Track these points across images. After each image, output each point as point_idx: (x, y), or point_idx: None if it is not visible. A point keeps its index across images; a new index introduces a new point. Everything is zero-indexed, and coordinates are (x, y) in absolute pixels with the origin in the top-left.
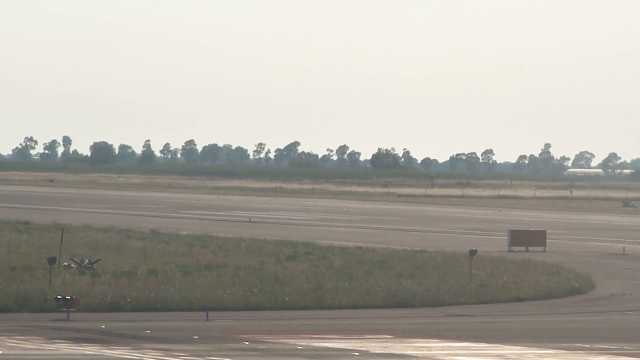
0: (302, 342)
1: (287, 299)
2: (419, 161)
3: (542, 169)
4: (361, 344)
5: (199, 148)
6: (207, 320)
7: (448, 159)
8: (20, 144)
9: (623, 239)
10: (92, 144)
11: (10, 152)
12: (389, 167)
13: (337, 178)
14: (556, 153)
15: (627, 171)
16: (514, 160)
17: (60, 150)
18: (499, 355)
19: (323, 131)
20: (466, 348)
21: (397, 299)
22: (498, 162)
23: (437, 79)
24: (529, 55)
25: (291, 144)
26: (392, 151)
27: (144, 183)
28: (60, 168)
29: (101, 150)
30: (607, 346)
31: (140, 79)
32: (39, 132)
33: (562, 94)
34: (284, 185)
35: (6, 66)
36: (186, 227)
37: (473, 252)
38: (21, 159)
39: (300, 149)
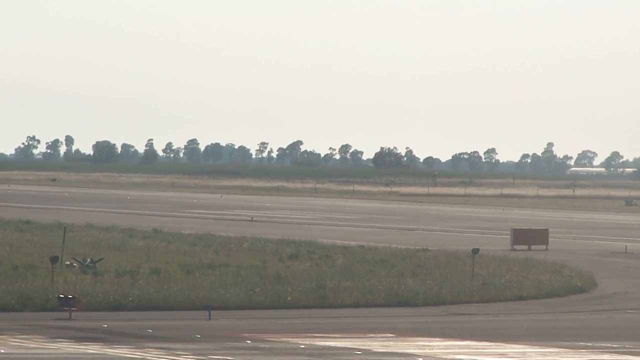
0: (304, 341)
1: (289, 298)
2: (422, 160)
3: (544, 168)
4: (363, 343)
5: (202, 147)
6: (210, 319)
7: (450, 157)
8: (23, 143)
9: (625, 238)
10: (94, 143)
11: (13, 152)
12: (391, 166)
13: (340, 177)
14: (559, 152)
15: (629, 170)
16: (516, 159)
17: (62, 149)
18: (501, 354)
19: (325, 130)
20: (468, 347)
21: (400, 297)
22: (501, 161)
23: (440, 78)
24: (531, 54)
25: (294, 143)
26: (394, 150)
27: (146, 182)
28: (63, 167)
29: (104, 149)
30: (609, 345)
31: (142, 78)
32: (42, 131)
33: (564, 93)
34: (286, 184)
35: (9, 66)
36: (188, 226)
37: (475, 251)
38: (24, 158)
39: (302, 148)
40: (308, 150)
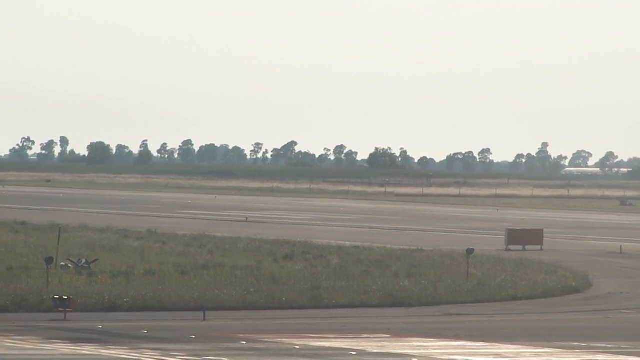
0: (299, 342)
1: (284, 299)
2: (416, 160)
3: (539, 168)
4: (358, 344)
5: (196, 148)
6: (205, 320)
7: (445, 158)
8: (18, 145)
9: (620, 238)
10: (89, 144)
11: (8, 153)
12: (386, 166)
13: (335, 178)
14: (553, 152)
15: (624, 170)
16: (511, 159)
17: (57, 150)
18: (496, 354)
19: (320, 131)
20: (463, 347)
21: (394, 298)
22: (495, 161)
23: (434, 79)
24: (526, 55)
25: (288, 143)
26: (389, 151)
27: (141, 183)
28: (58, 168)
29: (98, 150)
30: (604, 345)
31: (137, 79)
32: (36, 132)
33: (559, 93)
34: (281, 185)
35: (3, 67)
36: (183, 227)
37: (470, 251)
38: (18, 160)
39: (297, 149)
40: (303, 151)
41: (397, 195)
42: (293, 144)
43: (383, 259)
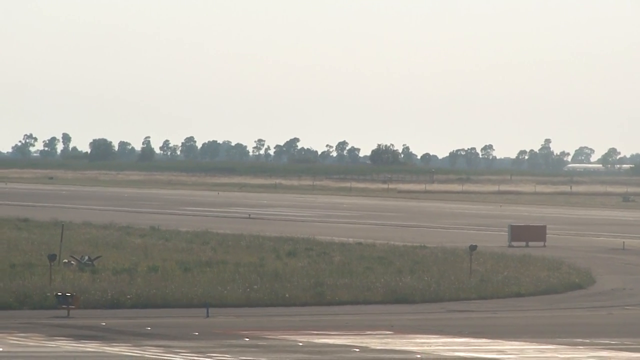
0: (302, 339)
1: (287, 295)
2: (419, 157)
3: (542, 165)
4: (361, 340)
5: (199, 145)
6: (208, 316)
7: (448, 154)
8: (20, 142)
9: (623, 234)
10: (91, 141)
11: (10, 150)
12: (388, 163)
13: (337, 174)
14: (556, 148)
15: (626, 166)
16: (513, 155)
17: (59, 147)
18: (499, 351)
19: (322, 127)
20: (467, 344)
21: (397, 294)
22: (498, 157)
23: (437, 75)
24: (528, 51)
25: (291, 140)
26: (391, 147)
27: (143, 180)
28: (60, 165)
29: (101, 147)
30: (607, 341)
31: (139, 76)
32: (39, 129)
33: (561, 89)
34: (283, 182)
35: (5, 64)
36: (186, 224)
37: (473, 248)
38: (21, 157)
39: (299, 145)
40: (305, 147)
41: (400, 191)
42: (295, 140)
43: (386, 255)
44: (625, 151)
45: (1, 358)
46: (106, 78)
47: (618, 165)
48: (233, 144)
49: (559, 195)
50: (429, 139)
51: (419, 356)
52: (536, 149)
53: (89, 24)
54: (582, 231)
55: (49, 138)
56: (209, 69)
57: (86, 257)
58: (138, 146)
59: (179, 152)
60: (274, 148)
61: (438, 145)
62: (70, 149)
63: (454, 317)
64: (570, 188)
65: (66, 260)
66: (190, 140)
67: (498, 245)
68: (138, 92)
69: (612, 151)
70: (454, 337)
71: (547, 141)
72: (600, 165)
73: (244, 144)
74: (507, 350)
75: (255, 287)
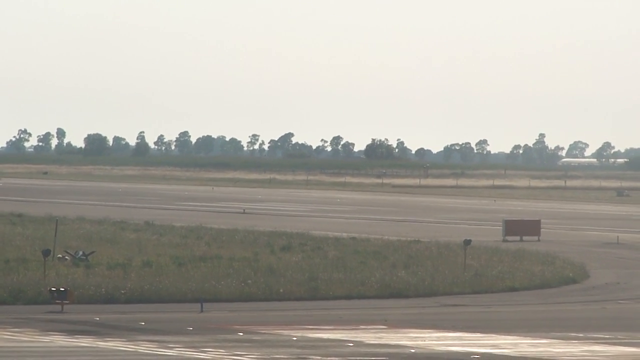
0: (296, 333)
1: (281, 290)
2: (413, 152)
3: (536, 159)
4: (355, 335)
5: (193, 140)
6: (202, 311)
7: (442, 149)
8: (14, 137)
9: (617, 228)
10: (86, 136)
11: (4, 145)
12: (383, 157)
13: (331, 169)
14: (550, 143)
15: (620, 160)
16: (508, 150)
17: (54, 142)
18: (493, 345)
19: (317, 122)
20: (460, 338)
21: (392, 289)
22: (492, 152)
23: (431, 70)
24: (522, 45)
25: (285, 135)
26: (386, 142)
27: (138, 175)
28: (54, 160)
29: (95, 142)
30: (601, 335)
31: (133, 70)
32: (33, 124)
33: (555, 83)
34: (278, 176)
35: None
36: (180, 219)
37: (467, 242)
38: (15, 152)
39: (294, 140)
40: (299, 142)
41: (394, 186)
42: (290, 135)
43: (380, 250)
44: (620, 145)
45: None
46: (100, 73)
47: (612, 160)
48: (227, 139)
49: (553, 190)
50: (423, 133)
51: (413, 350)
52: (530, 144)
53: (84, 19)
54: (576, 225)
55: (44, 133)
56: (204, 64)
57: (80, 252)
58: (132, 141)
59: (173, 147)
60: (269, 143)
61: (432, 139)
62: (64, 144)
63: (448, 311)
64: (565, 182)
65: (60, 256)
66: (184, 135)
67: (492, 239)
68: (132, 87)
69: (607, 145)
70: (448, 332)
71: (542, 136)
72: (595, 160)
73: (239, 138)
74: (501, 345)
75: (250, 281)
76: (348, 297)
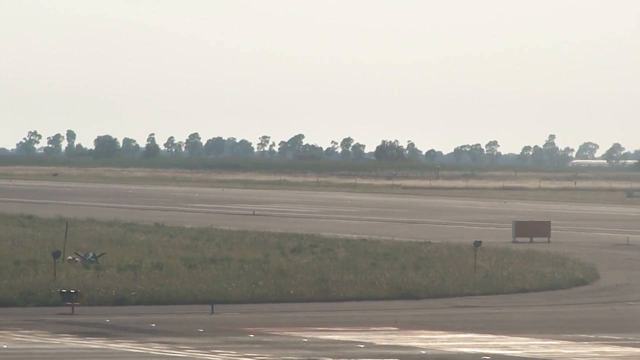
0: (307, 335)
1: (292, 292)
2: (424, 153)
3: (546, 160)
4: (366, 336)
5: (203, 141)
6: (212, 313)
7: (452, 150)
8: (24, 139)
9: (627, 230)
10: (96, 137)
11: (15, 147)
12: (393, 159)
13: (342, 170)
14: (560, 144)
15: (630, 162)
16: (518, 151)
17: (64, 144)
18: (503, 347)
19: (327, 124)
20: (471, 339)
21: (402, 290)
22: (502, 153)
23: (441, 71)
24: (533, 47)
25: (295, 136)
26: (396, 143)
27: (148, 176)
28: (64, 162)
29: (105, 144)
30: (611, 337)
31: (144, 72)
32: (43, 126)
33: (566, 85)
34: (288, 178)
35: (10, 61)
36: (191, 221)
37: (478, 244)
38: (25, 154)
39: (304, 142)
40: (310, 143)
41: (405, 187)
42: (300, 136)
43: (390, 251)
44: (630, 147)
45: (6, 355)
46: (111, 75)
47: (622, 161)
48: (238, 141)
49: (563, 191)
50: (433, 135)
51: (423, 352)
52: (540, 145)
53: (93, 20)
54: (586, 227)
55: (54, 135)
56: (214, 66)
57: (90, 254)
58: (142, 143)
59: (183, 149)
60: (279, 144)
61: (443, 141)
62: (74, 145)
63: (459, 312)
64: (575, 184)
65: (70, 257)
66: (194, 136)
67: (502, 241)
68: (142, 89)
69: (616, 147)
70: (459, 333)
71: (552, 137)
72: (605, 161)
73: (249, 140)
74: (512, 346)
75: (260, 283)
76: (358, 299)
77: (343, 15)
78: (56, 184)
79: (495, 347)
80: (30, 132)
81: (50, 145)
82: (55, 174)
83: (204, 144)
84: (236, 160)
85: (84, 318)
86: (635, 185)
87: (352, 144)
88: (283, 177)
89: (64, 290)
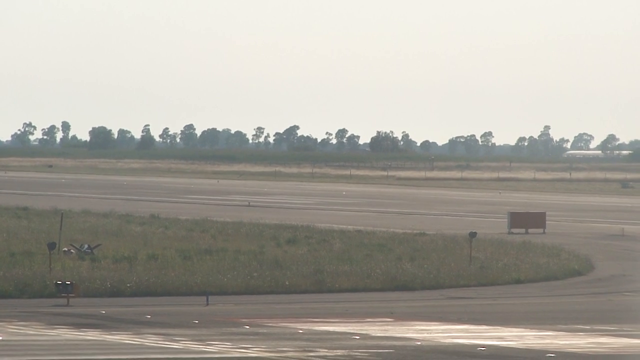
0: (302, 326)
1: (287, 283)
2: (418, 144)
3: (541, 151)
4: (361, 327)
5: (198, 132)
6: (208, 304)
7: (447, 141)
8: (19, 130)
9: (622, 220)
10: (91, 129)
11: (9, 138)
12: (388, 150)
13: (337, 162)
14: (555, 135)
15: (625, 152)
16: (513, 142)
17: (59, 135)
18: (499, 338)
19: (322, 115)
20: (466, 330)
21: (397, 282)
22: (497, 144)
23: (436, 62)
24: (527, 37)
25: (290, 127)
26: (391, 134)
27: (143, 168)
28: (59, 153)
29: (100, 135)
30: (606, 327)
31: (139, 64)
32: (38, 117)
33: (561, 76)
34: (283, 169)
35: (5, 52)
36: (186, 212)
37: (473, 235)
38: (20, 145)
39: (299, 133)
40: (305, 135)
41: (399, 179)
42: (295, 128)
43: (386, 242)
44: (624, 137)
45: (1, 346)
46: (105, 66)
47: (617, 152)
48: (233, 132)
49: (558, 182)
50: (428, 126)
51: (419, 343)
52: (535, 136)
53: (88, 12)
54: (581, 218)
55: (49, 126)
56: (209, 57)
57: (86, 246)
58: (137, 134)
59: (178, 140)
60: (274, 136)
61: (437, 132)
62: (69, 137)
63: (454, 304)
64: (570, 175)
65: (66, 249)
66: (189, 128)
67: (498, 232)
68: (137, 80)
69: (611, 137)
70: (454, 324)
71: (547, 128)
72: (600, 152)
73: (244, 131)
74: (507, 337)
75: (255, 274)
76: (354, 290)
77: (338, 7)
78: (51, 176)
79: (490, 338)
80: (25, 123)
81: (45, 137)
82: (50, 166)
83: (198, 135)
84: (231, 151)
85: (80, 309)
86: (630, 176)
87: (347, 135)
88: (278, 169)
89: (60, 282)
